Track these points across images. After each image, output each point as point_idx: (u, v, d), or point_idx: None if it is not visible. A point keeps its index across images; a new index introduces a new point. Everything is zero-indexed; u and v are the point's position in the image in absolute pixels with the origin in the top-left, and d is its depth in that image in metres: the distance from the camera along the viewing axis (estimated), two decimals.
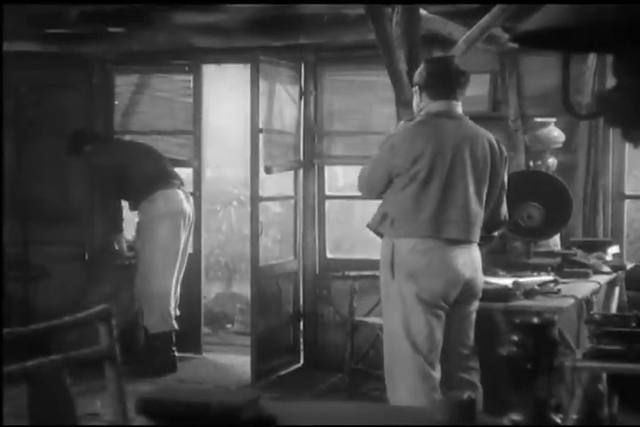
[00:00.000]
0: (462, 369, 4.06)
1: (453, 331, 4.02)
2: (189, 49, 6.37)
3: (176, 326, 6.26)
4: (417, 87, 4.04)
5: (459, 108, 4.04)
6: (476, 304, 4.07)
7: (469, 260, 3.98)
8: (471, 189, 3.97)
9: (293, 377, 6.23)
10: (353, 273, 5.69)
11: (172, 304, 6.26)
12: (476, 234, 4.02)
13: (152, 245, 6.17)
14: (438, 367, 3.96)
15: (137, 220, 6.32)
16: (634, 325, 3.69)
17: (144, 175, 6.19)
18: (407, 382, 3.93)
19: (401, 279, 3.91)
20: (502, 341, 3.54)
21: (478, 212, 4.01)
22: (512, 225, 5.00)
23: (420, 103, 4.03)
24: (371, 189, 4.09)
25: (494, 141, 4.09)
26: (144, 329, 6.33)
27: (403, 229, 3.92)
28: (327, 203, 6.62)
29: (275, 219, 7.62)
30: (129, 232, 6.50)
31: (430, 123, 3.98)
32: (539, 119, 5.48)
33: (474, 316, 4.08)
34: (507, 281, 4.36)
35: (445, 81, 4.00)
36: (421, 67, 4.08)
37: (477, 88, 5.92)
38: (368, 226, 4.11)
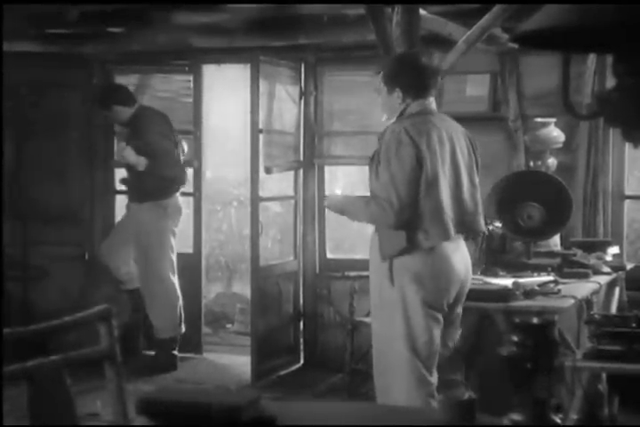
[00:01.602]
0: (448, 371, 4.05)
1: (446, 331, 3.99)
2: (189, 49, 6.37)
3: (183, 328, 6.30)
4: (395, 88, 3.89)
5: (434, 104, 4.01)
6: (462, 304, 4.07)
7: (462, 256, 3.97)
8: (469, 180, 3.98)
9: (293, 377, 6.23)
10: (353, 273, 5.68)
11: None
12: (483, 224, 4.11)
13: (166, 246, 6.16)
14: (435, 373, 3.92)
15: (142, 215, 6.15)
16: (634, 325, 3.69)
17: (175, 168, 6.18)
18: (403, 387, 3.86)
19: (402, 283, 3.84)
20: (502, 341, 3.54)
21: (480, 201, 4.05)
22: (512, 225, 5.00)
23: (402, 103, 3.90)
24: (401, 209, 3.76)
25: (467, 133, 4.07)
26: (144, 330, 6.33)
27: (437, 237, 3.83)
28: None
29: (275, 219, 7.61)
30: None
31: (425, 121, 3.88)
32: (539, 119, 5.48)
33: (461, 314, 4.08)
34: (507, 281, 4.35)
35: (423, 78, 3.92)
36: (393, 65, 3.97)
37: (477, 88, 5.93)
38: (387, 256, 3.86)
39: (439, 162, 3.83)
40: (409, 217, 3.79)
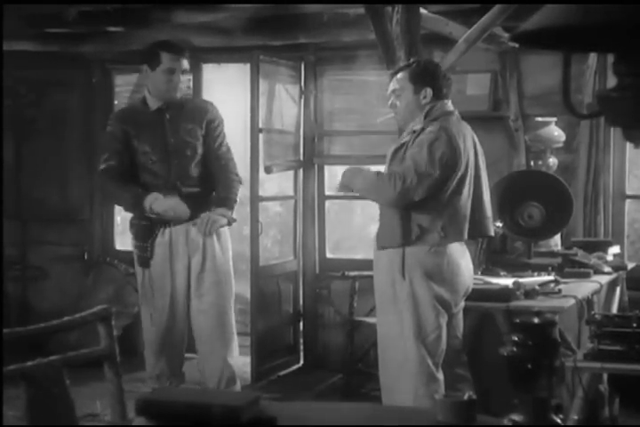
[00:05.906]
0: (457, 364, 4.07)
1: (453, 324, 4.03)
2: (189, 48, 6.35)
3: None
4: (425, 87, 3.92)
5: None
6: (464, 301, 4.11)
7: (467, 262, 4.04)
8: (487, 182, 4.04)
9: (293, 377, 6.22)
10: (353, 273, 5.68)
11: None
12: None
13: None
14: (441, 370, 3.94)
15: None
16: (635, 325, 3.69)
17: None
18: (411, 384, 3.88)
19: (414, 281, 3.86)
20: (502, 341, 3.53)
21: (491, 205, 4.09)
22: (512, 225, 5.00)
23: (429, 103, 3.92)
24: (409, 188, 3.75)
25: None
26: None
27: (452, 236, 3.86)
28: (327, 203, 6.61)
29: (275, 219, 7.61)
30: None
31: (459, 121, 3.95)
32: (539, 119, 5.47)
33: (463, 306, 4.11)
34: (507, 281, 4.35)
35: (447, 82, 4.00)
36: (425, 65, 4.01)
37: (478, 88, 5.92)
38: (386, 245, 3.90)
39: (470, 165, 3.89)
40: (410, 202, 3.78)
